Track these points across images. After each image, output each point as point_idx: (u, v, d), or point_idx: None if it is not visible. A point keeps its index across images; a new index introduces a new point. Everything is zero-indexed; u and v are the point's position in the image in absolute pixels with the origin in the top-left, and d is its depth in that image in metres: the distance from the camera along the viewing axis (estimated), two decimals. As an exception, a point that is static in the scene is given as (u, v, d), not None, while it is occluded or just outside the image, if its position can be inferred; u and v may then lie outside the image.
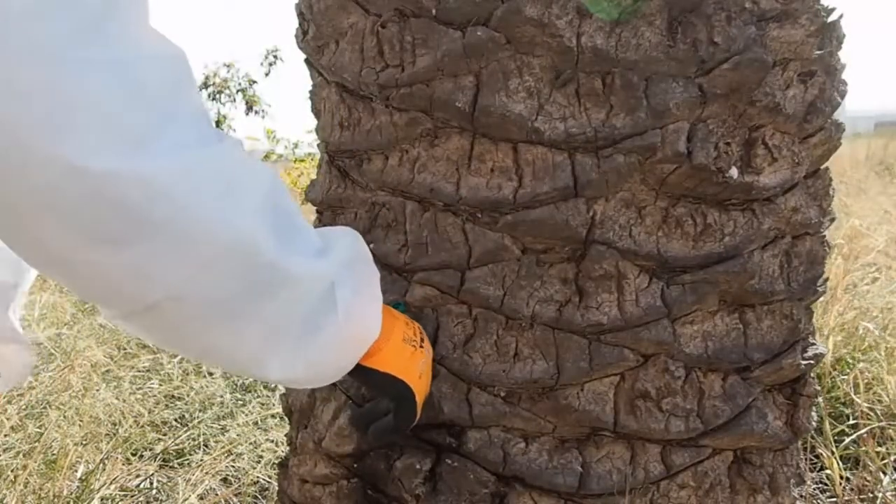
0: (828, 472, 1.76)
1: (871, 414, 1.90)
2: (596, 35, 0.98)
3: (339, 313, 0.68)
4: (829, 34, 1.09)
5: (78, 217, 0.49)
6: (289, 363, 0.67)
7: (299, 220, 0.67)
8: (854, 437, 1.83)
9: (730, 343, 1.09)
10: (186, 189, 0.52)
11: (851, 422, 1.92)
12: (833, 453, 1.73)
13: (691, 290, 1.04)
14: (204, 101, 0.60)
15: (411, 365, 0.83)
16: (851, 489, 1.69)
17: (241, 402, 2.43)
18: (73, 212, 0.49)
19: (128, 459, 2.01)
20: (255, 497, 1.87)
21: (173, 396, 2.48)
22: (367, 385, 0.86)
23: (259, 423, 2.24)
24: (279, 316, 0.63)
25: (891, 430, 1.85)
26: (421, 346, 0.87)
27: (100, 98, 0.48)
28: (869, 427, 1.83)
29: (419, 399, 0.87)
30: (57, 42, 0.46)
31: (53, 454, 1.90)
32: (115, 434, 2.11)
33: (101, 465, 1.88)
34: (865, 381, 2.00)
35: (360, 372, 0.78)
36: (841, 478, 1.69)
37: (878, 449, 1.77)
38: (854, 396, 1.97)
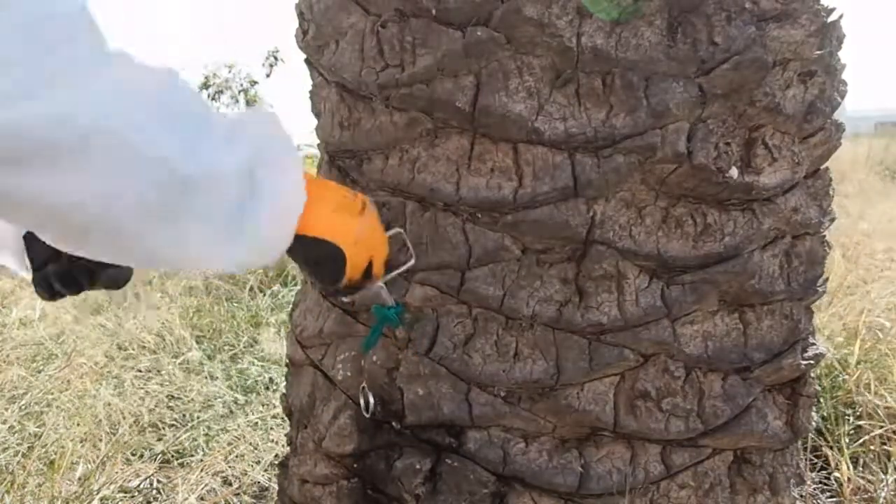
0: (827, 472, 1.76)
1: (875, 414, 1.90)
2: (596, 35, 0.98)
3: (264, 193, 0.73)
4: (829, 34, 1.09)
5: None
6: (229, 252, 0.73)
7: (202, 115, 0.70)
8: (863, 440, 1.83)
9: (730, 343, 1.09)
10: (82, 116, 0.57)
11: (854, 423, 1.91)
12: (840, 450, 1.73)
13: (691, 290, 1.04)
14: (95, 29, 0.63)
15: (344, 229, 0.87)
16: (852, 490, 1.69)
17: (241, 402, 2.43)
18: None
19: (127, 460, 2.01)
20: (255, 497, 1.87)
21: (173, 397, 2.48)
22: (304, 252, 0.88)
23: (259, 423, 2.24)
24: (207, 215, 0.68)
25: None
26: (360, 214, 0.90)
27: None
28: (882, 429, 1.82)
29: (352, 263, 0.89)
30: None
31: (53, 454, 1.90)
32: (114, 434, 2.11)
33: (101, 465, 1.88)
34: (866, 381, 2.00)
35: (295, 241, 0.83)
36: (848, 480, 1.69)
37: (885, 448, 1.77)
38: (856, 397, 1.96)
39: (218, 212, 0.69)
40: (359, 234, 0.88)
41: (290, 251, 0.85)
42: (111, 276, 0.91)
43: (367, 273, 0.92)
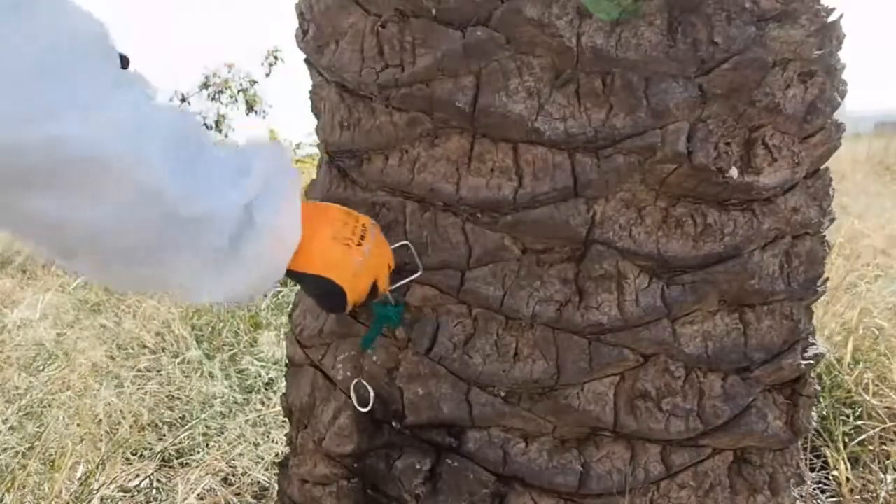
0: (827, 472, 1.76)
1: (875, 414, 1.90)
2: (596, 35, 0.98)
3: (258, 231, 0.72)
4: (829, 34, 1.09)
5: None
6: (218, 286, 0.73)
7: (209, 150, 0.69)
8: (862, 439, 1.83)
9: (730, 343, 1.09)
10: (87, 142, 0.56)
11: (853, 423, 1.91)
12: (838, 450, 1.72)
13: (691, 290, 1.05)
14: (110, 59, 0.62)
15: (342, 264, 0.85)
16: (851, 490, 1.69)
17: (241, 402, 2.43)
18: None
19: (127, 459, 2.01)
20: (255, 497, 1.87)
21: (173, 396, 2.48)
22: (304, 285, 0.89)
23: (259, 423, 2.24)
24: (199, 250, 0.68)
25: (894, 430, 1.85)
26: (359, 245, 0.87)
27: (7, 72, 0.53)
28: (880, 427, 1.82)
29: (352, 295, 0.88)
30: None
31: (53, 454, 1.90)
32: (114, 434, 2.11)
33: (101, 465, 1.88)
34: (865, 382, 2.00)
35: (289, 275, 0.83)
36: (847, 480, 1.69)
37: (885, 448, 1.77)
38: (855, 397, 1.96)
39: (209, 251, 0.69)
40: (358, 265, 0.87)
41: (296, 281, 0.85)
42: None
43: (373, 293, 0.92)
